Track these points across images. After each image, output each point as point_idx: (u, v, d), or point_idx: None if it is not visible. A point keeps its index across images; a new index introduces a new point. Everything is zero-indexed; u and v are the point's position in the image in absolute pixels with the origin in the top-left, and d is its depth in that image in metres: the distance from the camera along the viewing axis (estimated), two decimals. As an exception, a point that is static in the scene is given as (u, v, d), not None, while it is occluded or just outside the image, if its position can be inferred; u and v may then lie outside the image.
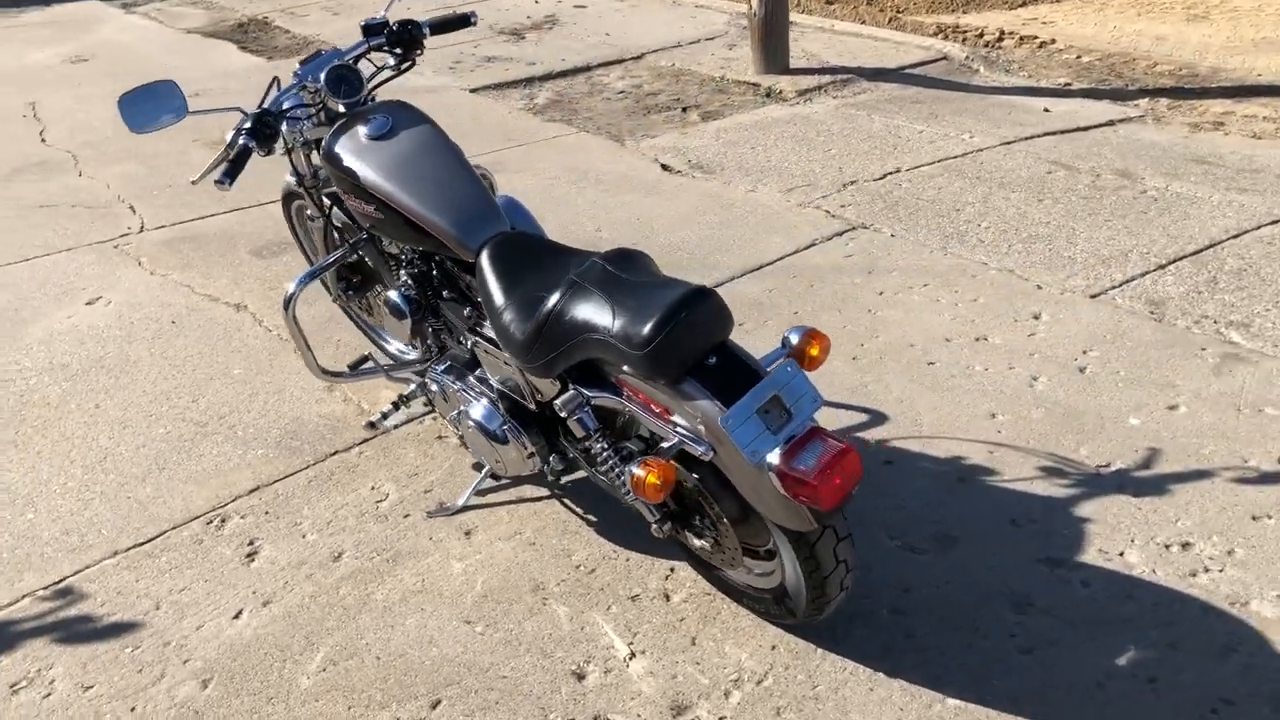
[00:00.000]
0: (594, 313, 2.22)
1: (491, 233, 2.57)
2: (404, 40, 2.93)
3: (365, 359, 3.16)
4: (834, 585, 2.29)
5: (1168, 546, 2.74)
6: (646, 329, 2.11)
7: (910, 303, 3.97)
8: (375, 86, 2.94)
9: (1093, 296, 3.95)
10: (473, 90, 6.77)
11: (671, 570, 2.74)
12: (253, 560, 2.87)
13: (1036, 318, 3.83)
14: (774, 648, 2.50)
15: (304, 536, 2.94)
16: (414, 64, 2.99)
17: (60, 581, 2.83)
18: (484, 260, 2.52)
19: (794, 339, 2.29)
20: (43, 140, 6.21)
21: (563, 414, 2.36)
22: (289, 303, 2.94)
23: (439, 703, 2.41)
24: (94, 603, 2.75)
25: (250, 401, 3.56)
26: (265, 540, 2.93)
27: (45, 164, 5.80)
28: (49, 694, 2.49)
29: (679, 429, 2.21)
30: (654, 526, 2.43)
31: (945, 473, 3.05)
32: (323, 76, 2.76)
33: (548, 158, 5.59)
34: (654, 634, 2.56)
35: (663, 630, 2.57)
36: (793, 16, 7.99)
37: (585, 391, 2.35)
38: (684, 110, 6.35)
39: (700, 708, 2.36)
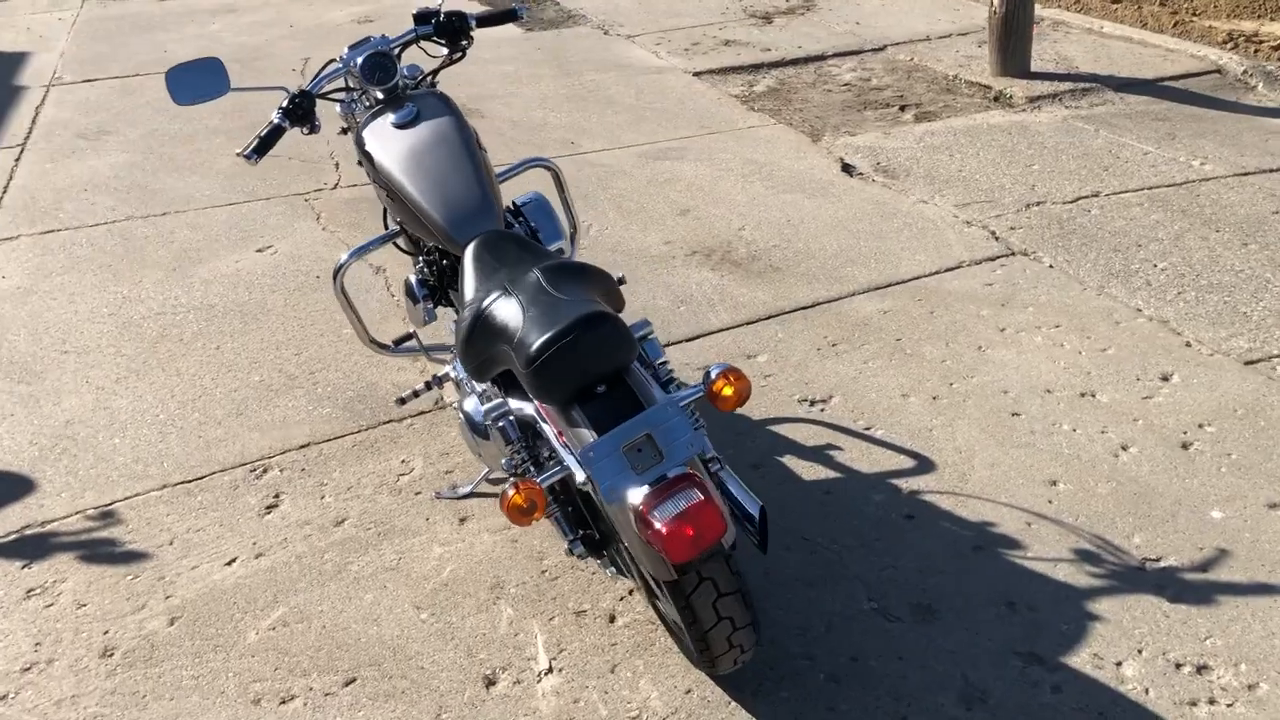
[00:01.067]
0: (509, 323, 2.19)
1: (480, 230, 2.58)
2: (450, 30, 2.97)
3: (409, 336, 3.26)
4: (719, 643, 2.16)
5: (1179, 665, 2.38)
6: (533, 348, 2.06)
7: (1029, 344, 3.63)
8: (428, 75, 3.00)
9: (1247, 363, 3.45)
10: (696, 73, 6.75)
11: (630, 593, 2.68)
12: (269, 513, 3.05)
13: (1165, 379, 3.40)
14: (689, 692, 2.40)
15: (322, 498, 3.09)
16: (464, 55, 3.02)
17: (110, 504, 3.13)
18: (465, 256, 2.53)
19: (713, 374, 2.16)
20: (297, 94, 6.77)
21: (486, 421, 2.35)
22: (337, 273, 3.08)
23: (353, 681, 2.49)
24: (125, 529, 3.02)
25: (342, 361, 3.77)
26: (288, 496, 3.11)
27: (290, 116, 6.32)
28: (51, 604, 2.77)
29: (571, 453, 2.15)
30: (565, 547, 2.38)
31: (965, 538, 2.79)
32: (360, 62, 2.85)
33: (731, 149, 5.50)
34: (580, 654, 2.51)
35: (590, 652, 2.51)
36: (1062, 15, 7.40)
37: (510, 402, 2.32)
38: (901, 109, 6.05)
39: (585, 739, 2.31)
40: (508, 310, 2.22)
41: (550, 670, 2.48)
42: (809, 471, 3.07)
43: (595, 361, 2.06)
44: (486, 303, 2.28)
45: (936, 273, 4.14)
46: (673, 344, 3.74)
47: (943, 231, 4.48)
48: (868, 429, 3.25)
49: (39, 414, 3.55)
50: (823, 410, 3.35)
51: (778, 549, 2.79)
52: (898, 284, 4.07)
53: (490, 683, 2.46)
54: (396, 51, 2.91)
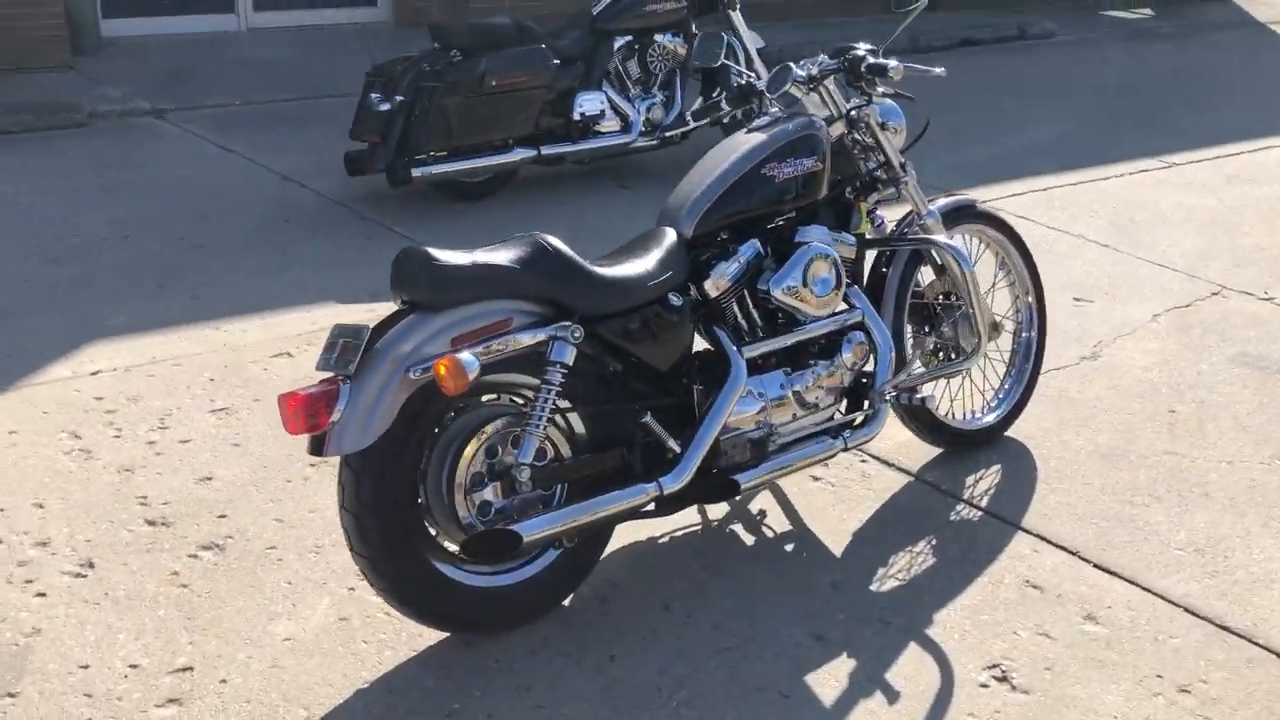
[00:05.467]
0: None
1: (671, 223, 2.75)
2: (856, 73, 2.96)
3: None
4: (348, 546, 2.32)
5: None
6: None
7: None
8: (848, 110, 3.00)
9: None
10: None
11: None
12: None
13: None
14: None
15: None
16: (869, 100, 3.00)
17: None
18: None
19: (450, 354, 2.22)
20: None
21: None
22: None
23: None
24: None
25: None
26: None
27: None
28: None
29: None
30: None
31: None
32: (776, 71, 2.98)
33: None
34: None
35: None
36: None
37: None
38: None
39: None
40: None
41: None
42: (826, 688, 2.34)
43: (399, 285, 2.36)
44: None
45: None
46: (1065, 548, 2.91)
47: None
48: (973, 729, 2.27)
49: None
50: (985, 687, 2.42)
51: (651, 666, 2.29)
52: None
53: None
54: (813, 75, 2.96)
